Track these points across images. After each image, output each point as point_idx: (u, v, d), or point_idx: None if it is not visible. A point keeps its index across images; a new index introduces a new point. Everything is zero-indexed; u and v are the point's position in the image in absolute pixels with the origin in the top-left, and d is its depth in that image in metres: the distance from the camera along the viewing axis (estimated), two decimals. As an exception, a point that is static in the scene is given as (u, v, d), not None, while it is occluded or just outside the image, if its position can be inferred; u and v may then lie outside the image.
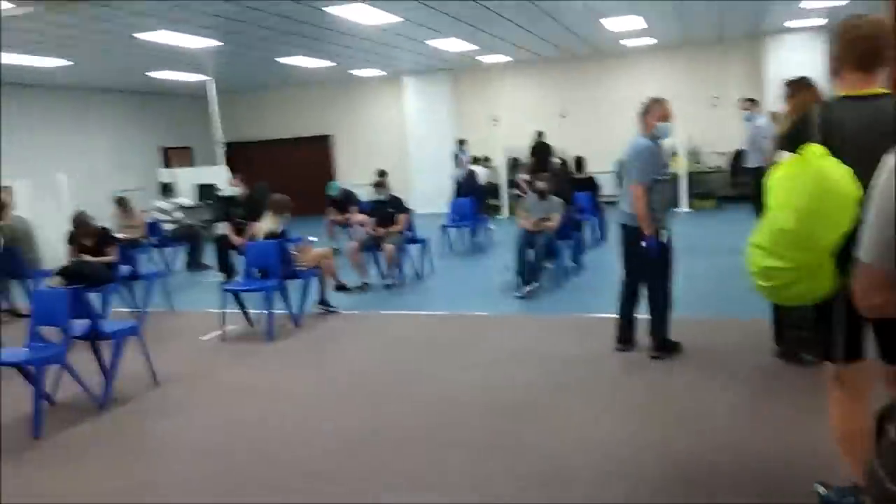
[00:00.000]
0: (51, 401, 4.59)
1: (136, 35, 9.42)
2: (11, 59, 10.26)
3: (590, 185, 9.67)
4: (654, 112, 4.59)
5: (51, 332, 4.52)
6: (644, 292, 4.78)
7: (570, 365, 4.80)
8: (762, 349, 4.65)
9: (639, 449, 3.48)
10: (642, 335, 4.91)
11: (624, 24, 11.25)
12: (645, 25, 11.47)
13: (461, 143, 14.97)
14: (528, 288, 6.95)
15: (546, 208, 7.35)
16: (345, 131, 17.48)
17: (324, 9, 8.70)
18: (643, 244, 4.54)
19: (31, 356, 4.28)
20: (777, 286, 2.29)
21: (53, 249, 8.47)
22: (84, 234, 6.77)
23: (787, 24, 12.59)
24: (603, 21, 10.84)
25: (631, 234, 4.60)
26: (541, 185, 7.44)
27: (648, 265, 4.61)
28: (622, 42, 13.31)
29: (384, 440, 3.78)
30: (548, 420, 3.91)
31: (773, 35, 13.38)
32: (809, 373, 4.20)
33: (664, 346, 4.72)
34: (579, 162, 10.16)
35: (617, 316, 4.97)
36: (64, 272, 6.58)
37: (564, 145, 14.55)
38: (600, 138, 14.90)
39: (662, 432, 3.65)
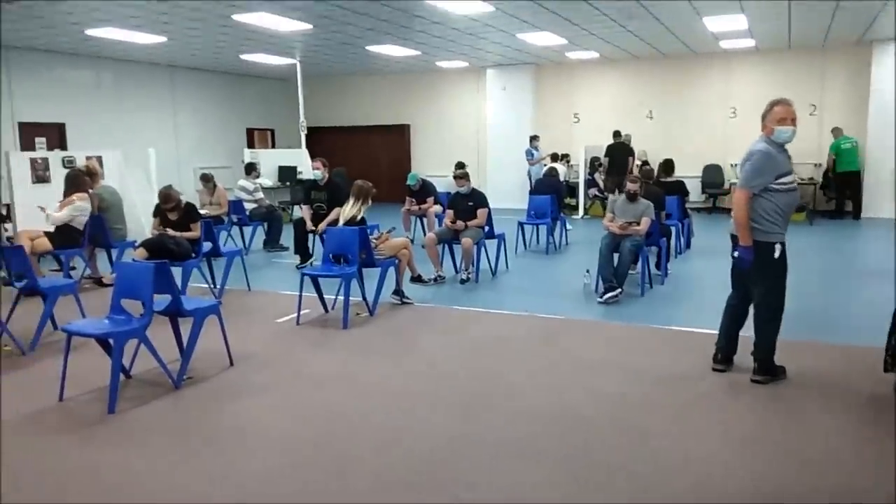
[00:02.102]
0: (127, 374, 4.59)
1: (233, 16, 9.52)
2: (108, 33, 10.55)
3: (678, 189, 9.21)
4: (775, 114, 4.20)
5: (132, 305, 4.51)
6: (751, 309, 4.42)
7: (661, 381, 4.48)
8: (873, 379, 4.23)
9: (735, 480, 3.17)
10: (741, 355, 4.55)
11: (726, 24, 10.71)
12: (746, 26, 10.88)
13: (533, 139, 14.65)
14: (610, 294, 6.63)
15: (636, 211, 7.00)
16: (423, 121, 17.40)
17: (420, -2, 8.56)
18: (735, 254, 4.21)
19: (111, 329, 4.27)
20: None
21: (138, 221, 8.67)
22: (170, 209, 6.83)
23: (903, 31, 11.74)
24: (705, 20, 10.33)
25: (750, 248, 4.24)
26: (632, 186, 7.09)
27: (760, 280, 4.25)
28: (721, 43, 12.70)
29: (471, 450, 3.54)
30: (638, 440, 3.62)
31: (883, 43, 12.50)
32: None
33: (768, 370, 4.35)
34: (668, 165, 9.71)
35: (717, 332, 4.62)
36: (148, 245, 6.65)
37: (650, 147, 14.07)
38: (689, 142, 14.33)
39: (761, 465, 3.32)
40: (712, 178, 14.21)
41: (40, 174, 9.52)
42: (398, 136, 17.63)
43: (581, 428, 3.79)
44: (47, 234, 7.27)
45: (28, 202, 8.55)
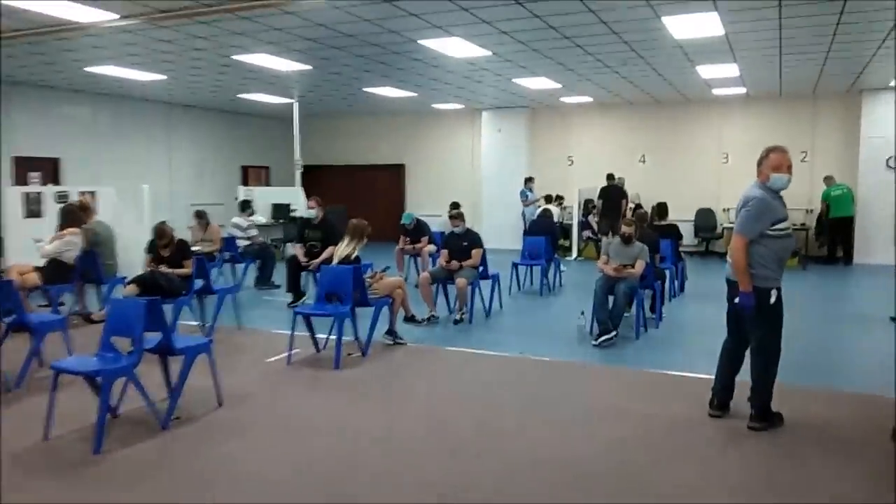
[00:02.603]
0: (114, 414, 4.49)
1: (233, 56, 9.64)
2: (110, 70, 10.65)
3: (672, 232, 9.25)
4: (770, 161, 4.24)
5: (122, 342, 4.44)
6: (746, 355, 4.39)
7: (659, 428, 4.41)
8: (872, 426, 4.19)
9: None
10: (738, 401, 4.50)
11: (718, 72, 10.90)
12: (738, 73, 11.08)
13: (528, 180, 14.77)
14: (605, 336, 6.58)
15: (630, 254, 7.01)
16: (418, 161, 17.53)
17: (418, 41, 8.69)
18: (736, 301, 4.19)
19: (100, 366, 4.19)
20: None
21: (130, 257, 8.60)
22: (163, 245, 6.79)
23: (893, 83, 11.99)
24: (698, 68, 10.52)
25: (737, 291, 4.23)
26: (627, 229, 7.11)
27: (756, 326, 4.23)
28: (713, 90, 12.93)
29: (464, 500, 3.46)
30: (636, 487, 3.54)
31: (873, 92, 12.76)
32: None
33: (764, 417, 4.29)
34: (662, 208, 9.77)
35: (712, 377, 4.58)
36: (140, 281, 6.59)
37: (643, 190, 14.18)
38: (681, 186, 14.46)
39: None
40: (705, 221, 14.30)
41: (33, 209, 9.48)
42: (393, 175, 17.73)
43: (576, 474, 3.71)
44: (37, 268, 7.20)
45: (19, 237, 8.49)
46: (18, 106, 11.89)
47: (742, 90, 12.97)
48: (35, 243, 7.19)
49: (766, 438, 4.20)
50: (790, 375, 4.68)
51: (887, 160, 12.63)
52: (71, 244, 7.28)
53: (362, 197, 17.16)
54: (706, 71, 10.80)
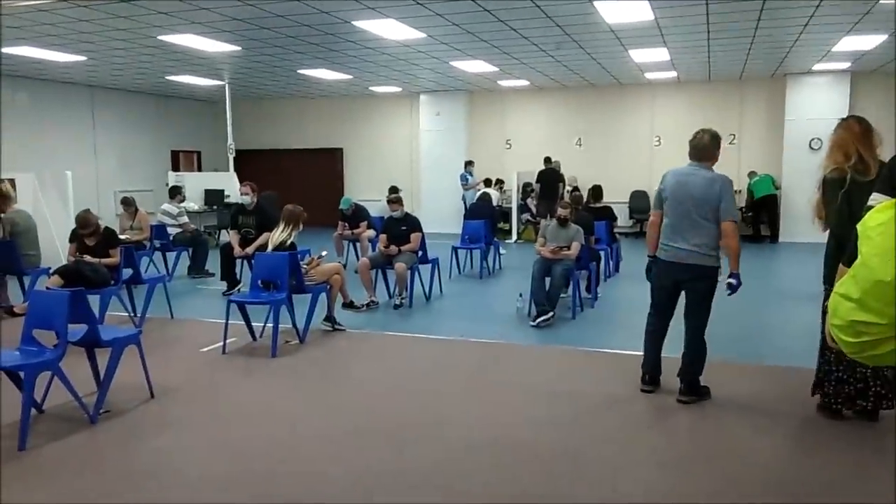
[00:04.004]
0: (39, 409, 4.31)
1: (158, 37, 9.29)
2: (26, 51, 10.12)
3: (607, 214, 9.43)
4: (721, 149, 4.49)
5: (45, 335, 4.26)
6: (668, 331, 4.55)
7: (594, 405, 4.51)
8: (797, 398, 4.38)
9: (665, 501, 3.20)
10: (667, 376, 4.65)
11: (649, 56, 11.12)
12: (668, 58, 11.34)
13: (468, 164, 14.82)
14: (543, 317, 6.68)
15: (566, 236, 7.12)
16: (356, 145, 17.34)
17: (352, 22, 8.56)
18: (732, 281, 4.29)
19: (22, 361, 4.00)
20: (865, 343, 2.04)
21: (54, 247, 8.25)
22: (88, 234, 6.52)
23: (814, 67, 12.49)
24: (631, 52, 10.71)
25: (706, 274, 4.34)
26: (563, 212, 7.21)
27: (702, 304, 4.38)
28: (645, 74, 13.20)
29: (400, 484, 3.46)
30: (576, 467, 3.62)
31: (796, 76, 13.28)
32: (851, 428, 3.96)
33: (694, 390, 4.45)
34: (597, 191, 9.95)
35: (642, 354, 4.71)
36: (63, 272, 6.32)
37: (579, 173, 14.41)
38: (616, 168, 14.76)
39: (691, 484, 3.38)
40: (639, 203, 14.65)
41: (-54, 197, 8.95)
42: (331, 159, 17.48)
43: (513, 455, 3.76)
44: (-48, 260, 6.83)
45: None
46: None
47: (673, 74, 13.29)
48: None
49: (695, 411, 4.35)
50: (718, 350, 4.85)
51: (810, 142, 13.18)
52: (-12, 234, 6.92)
53: (299, 182, 16.86)
54: (638, 55, 11.02)
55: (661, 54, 10.94)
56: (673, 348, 4.62)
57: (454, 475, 3.53)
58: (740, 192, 13.93)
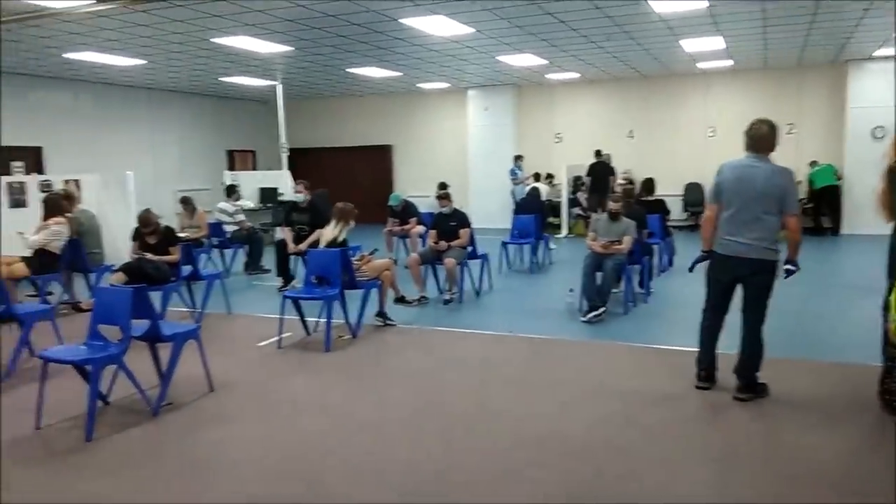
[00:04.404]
0: (105, 401, 4.50)
1: (212, 39, 9.52)
2: (89, 56, 10.51)
3: (660, 207, 9.27)
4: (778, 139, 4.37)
5: (110, 330, 4.43)
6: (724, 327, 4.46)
7: (647, 402, 4.46)
8: (859, 395, 4.24)
9: (718, 499, 3.15)
10: (724, 374, 4.55)
11: (703, 45, 10.86)
12: (724, 46, 11.06)
13: (517, 158, 14.75)
14: (594, 313, 6.62)
15: (618, 230, 7.03)
16: (405, 141, 17.44)
17: (399, 20, 8.62)
18: (790, 268, 4.25)
19: (89, 355, 4.18)
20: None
21: (116, 245, 8.55)
22: (148, 232, 6.75)
23: (875, 53, 12.01)
24: (682, 42, 10.49)
25: (765, 268, 4.25)
26: (614, 205, 7.12)
27: (762, 298, 4.29)
28: (698, 63, 12.90)
29: (453, 479, 3.48)
30: (628, 464, 3.58)
31: (858, 62, 12.78)
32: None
33: (752, 388, 4.35)
34: (649, 184, 9.79)
35: (697, 350, 4.62)
36: (126, 269, 6.55)
37: (632, 166, 14.18)
38: (670, 161, 14.48)
39: (745, 484, 3.31)
40: (693, 196, 14.34)
41: (17, 198, 9.39)
42: (380, 156, 17.63)
43: (563, 450, 3.75)
44: (24, 259, 7.14)
45: (4, 227, 8.40)
46: (-2, 95, 11.72)
47: (728, 63, 12.95)
48: (18, 235, 7.12)
49: (752, 409, 4.25)
50: (777, 347, 4.72)
51: (873, 130, 12.67)
52: (57, 234, 7.22)
53: (350, 179, 17.07)
54: (690, 45, 10.77)
55: (715, 43, 10.68)
56: (729, 344, 4.52)
57: (503, 470, 3.54)
58: (800, 182, 13.50)
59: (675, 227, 11.76)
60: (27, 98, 12.26)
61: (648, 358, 5.52)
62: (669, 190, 13.05)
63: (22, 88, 12.14)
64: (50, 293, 7.58)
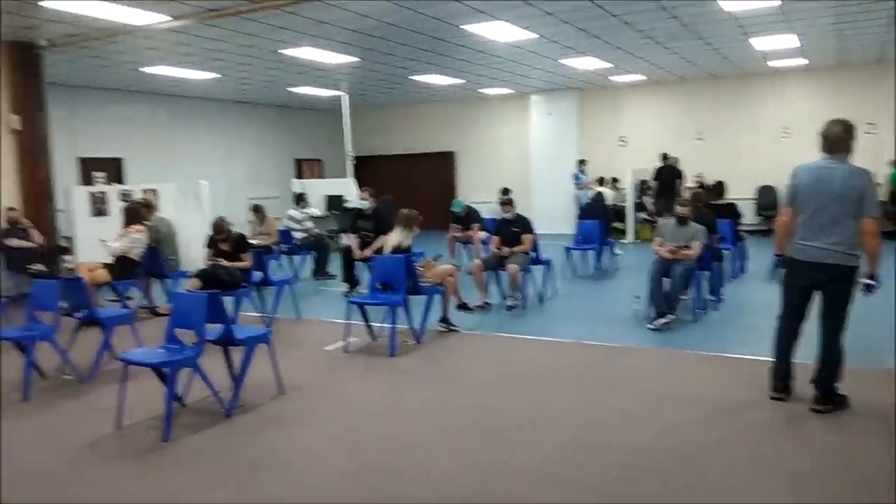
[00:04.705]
0: (181, 403, 4.67)
1: (281, 51, 9.80)
2: (165, 71, 10.97)
3: (731, 212, 9.00)
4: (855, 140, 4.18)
5: (186, 334, 4.61)
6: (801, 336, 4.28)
7: (717, 412, 4.33)
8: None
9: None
10: (801, 384, 4.38)
11: (775, 43, 10.52)
12: (798, 45, 10.68)
13: (581, 163, 14.59)
14: (662, 320, 6.48)
15: (686, 235, 6.87)
16: (467, 148, 17.50)
17: (462, 26, 8.67)
18: (870, 282, 4.03)
19: (166, 358, 4.36)
20: None
21: (192, 252, 8.89)
22: (222, 239, 6.98)
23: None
24: (752, 40, 10.18)
25: (845, 274, 4.09)
26: (682, 210, 6.96)
27: (841, 306, 4.12)
28: (770, 62, 12.49)
29: (517, 484, 3.48)
30: (696, 475, 3.50)
31: (944, 57, 12.12)
32: None
33: (831, 399, 4.17)
34: (719, 187, 9.52)
35: (772, 359, 4.47)
36: (201, 275, 6.79)
37: (701, 169, 13.81)
38: (741, 163, 14.06)
39: (829, 499, 3.17)
40: (767, 199, 13.87)
41: (99, 207, 9.86)
42: (443, 163, 17.75)
43: (628, 458, 3.69)
44: (105, 265, 7.49)
45: (87, 235, 8.85)
46: (81, 109, 12.36)
47: (801, 61, 12.50)
48: (100, 243, 7.49)
49: (830, 420, 4.08)
50: (857, 356, 4.52)
51: (960, 128, 11.99)
52: (137, 241, 7.55)
53: (413, 185, 17.25)
54: (761, 43, 10.45)
55: (787, 41, 10.32)
56: (807, 354, 4.36)
57: (567, 476, 3.51)
58: (880, 184, 12.87)
59: (747, 231, 11.39)
60: (108, 111, 12.90)
61: (720, 367, 5.36)
62: (741, 193, 12.66)
63: (103, 102, 12.78)
64: (130, 298, 7.92)
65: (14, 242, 8.81)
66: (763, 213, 13.86)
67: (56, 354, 5.35)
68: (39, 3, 7.04)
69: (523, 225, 7.94)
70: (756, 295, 8.14)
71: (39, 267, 8.59)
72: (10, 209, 8.98)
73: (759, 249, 10.40)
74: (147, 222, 7.88)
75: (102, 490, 3.53)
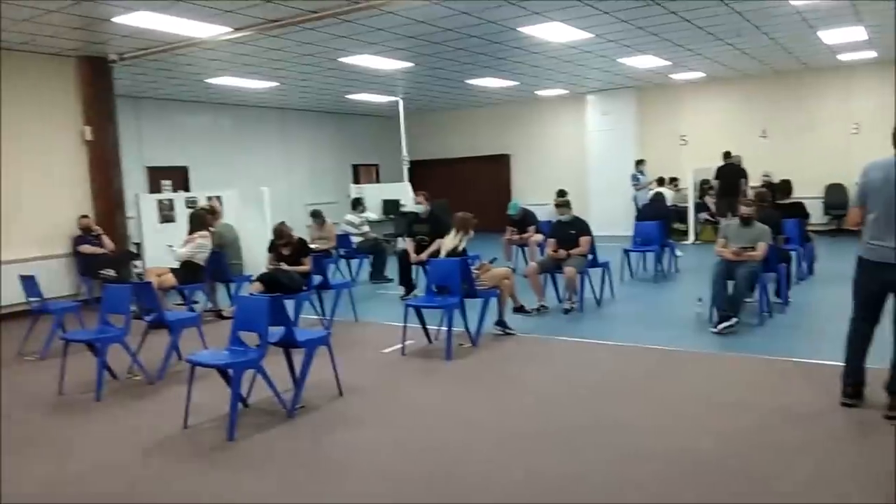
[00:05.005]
0: (245, 404, 4.79)
1: (339, 59, 9.98)
2: (228, 81, 11.30)
3: (797, 211, 8.71)
4: None
5: (249, 337, 4.73)
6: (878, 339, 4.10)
7: (785, 419, 4.19)
8: None
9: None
10: (873, 390, 4.20)
11: (843, 36, 10.14)
12: (866, 37, 10.26)
13: (639, 163, 14.33)
14: (725, 323, 6.31)
15: (750, 236, 6.67)
16: (523, 150, 17.44)
17: (518, 28, 8.65)
18: None
19: (231, 360, 4.48)
20: None
21: (254, 256, 9.12)
22: (283, 244, 7.14)
23: None
24: (820, 33, 9.83)
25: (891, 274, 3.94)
26: (746, 210, 6.77)
27: None
28: (838, 56, 12.03)
29: (576, 490, 3.45)
30: (762, 483, 3.39)
31: None
32: None
33: (905, 406, 3.99)
34: (785, 186, 9.22)
35: (843, 364, 4.30)
36: (263, 279, 6.96)
37: (765, 167, 13.41)
38: (808, 161, 13.58)
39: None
40: (836, 198, 13.36)
41: (166, 214, 10.21)
42: (499, 165, 17.72)
43: (690, 466, 3.60)
44: (172, 270, 7.75)
45: (155, 241, 9.18)
46: (148, 120, 12.86)
47: (871, 54, 11.99)
48: (167, 248, 7.77)
49: (907, 429, 3.90)
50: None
51: None
52: (202, 246, 7.79)
53: (469, 189, 17.27)
54: (829, 36, 10.08)
55: (856, 33, 9.93)
56: (880, 358, 4.18)
57: (625, 483, 3.46)
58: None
59: (815, 231, 11.00)
60: (173, 121, 13.38)
61: (787, 372, 5.19)
62: (809, 192, 12.25)
63: (169, 113, 13.27)
64: (195, 302, 8.19)
65: (86, 249, 9.22)
66: (831, 213, 13.35)
67: (126, 356, 5.57)
68: (110, 20, 7.36)
69: (580, 227, 7.85)
70: (825, 297, 7.85)
71: (110, 272, 8.98)
72: (83, 217, 9.41)
73: (829, 250, 10.04)
74: (212, 228, 8.11)
75: (172, 486, 3.66)
